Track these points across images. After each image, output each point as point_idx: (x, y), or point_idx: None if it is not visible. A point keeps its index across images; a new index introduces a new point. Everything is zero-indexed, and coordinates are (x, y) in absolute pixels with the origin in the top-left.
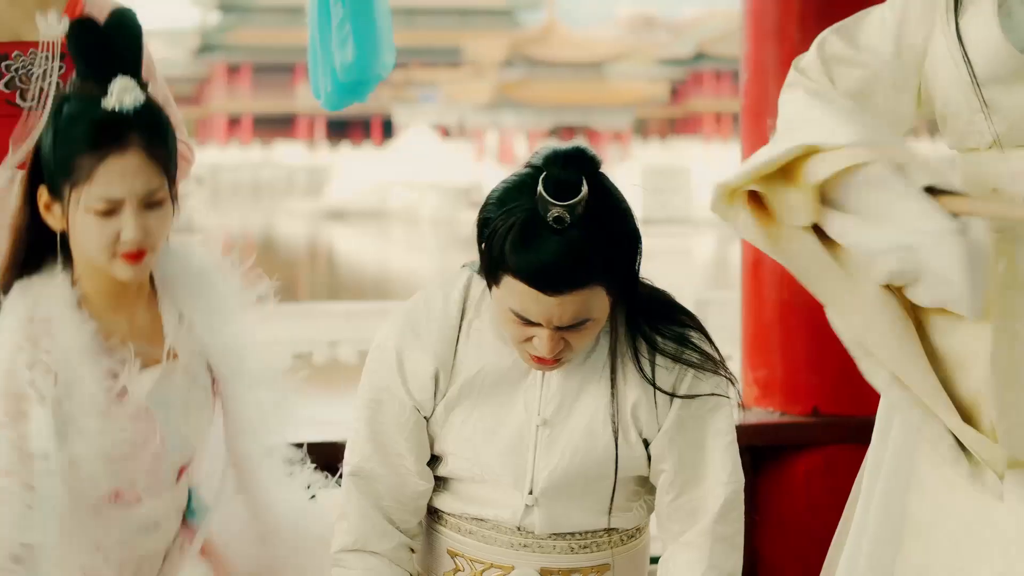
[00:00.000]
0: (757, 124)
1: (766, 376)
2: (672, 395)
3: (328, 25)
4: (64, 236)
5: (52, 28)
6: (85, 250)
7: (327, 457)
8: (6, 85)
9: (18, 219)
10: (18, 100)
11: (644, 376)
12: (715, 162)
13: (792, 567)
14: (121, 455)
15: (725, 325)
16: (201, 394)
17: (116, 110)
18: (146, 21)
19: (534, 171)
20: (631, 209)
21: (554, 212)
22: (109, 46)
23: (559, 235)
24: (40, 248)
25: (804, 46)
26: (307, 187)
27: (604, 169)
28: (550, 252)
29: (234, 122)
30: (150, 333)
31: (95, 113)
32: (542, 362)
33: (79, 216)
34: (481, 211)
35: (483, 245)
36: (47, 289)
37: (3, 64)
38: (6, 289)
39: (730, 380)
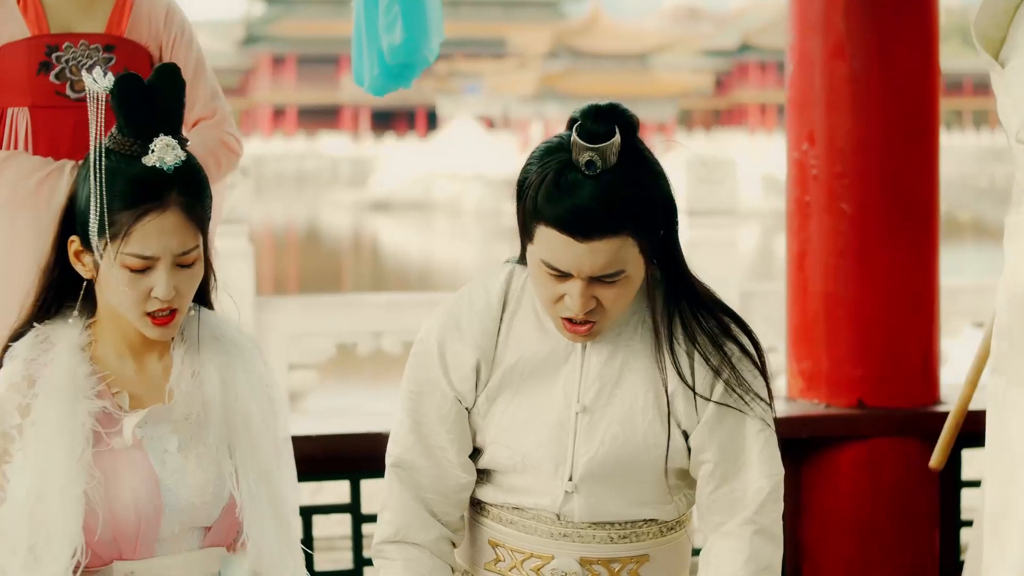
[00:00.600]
0: (802, 115)
1: (811, 368)
2: (707, 399)
3: (375, 8)
4: (89, 284)
5: (98, 84)
6: (115, 303)
7: (372, 447)
8: (56, 76)
9: (46, 264)
10: (68, 91)
11: (681, 377)
12: (760, 153)
13: (835, 559)
14: (108, 497)
15: (770, 317)
16: (210, 450)
17: (157, 168)
18: (192, 12)
19: (570, 126)
20: (665, 174)
21: (586, 156)
22: (153, 103)
23: (591, 180)
24: (65, 293)
25: (850, 37)
26: (351, 178)
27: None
28: (581, 196)
29: (279, 113)
30: (156, 383)
31: (135, 169)
32: (575, 329)
33: (112, 270)
34: (520, 173)
35: (519, 202)
36: (58, 332)
37: (54, 55)
38: (23, 329)
39: (766, 402)
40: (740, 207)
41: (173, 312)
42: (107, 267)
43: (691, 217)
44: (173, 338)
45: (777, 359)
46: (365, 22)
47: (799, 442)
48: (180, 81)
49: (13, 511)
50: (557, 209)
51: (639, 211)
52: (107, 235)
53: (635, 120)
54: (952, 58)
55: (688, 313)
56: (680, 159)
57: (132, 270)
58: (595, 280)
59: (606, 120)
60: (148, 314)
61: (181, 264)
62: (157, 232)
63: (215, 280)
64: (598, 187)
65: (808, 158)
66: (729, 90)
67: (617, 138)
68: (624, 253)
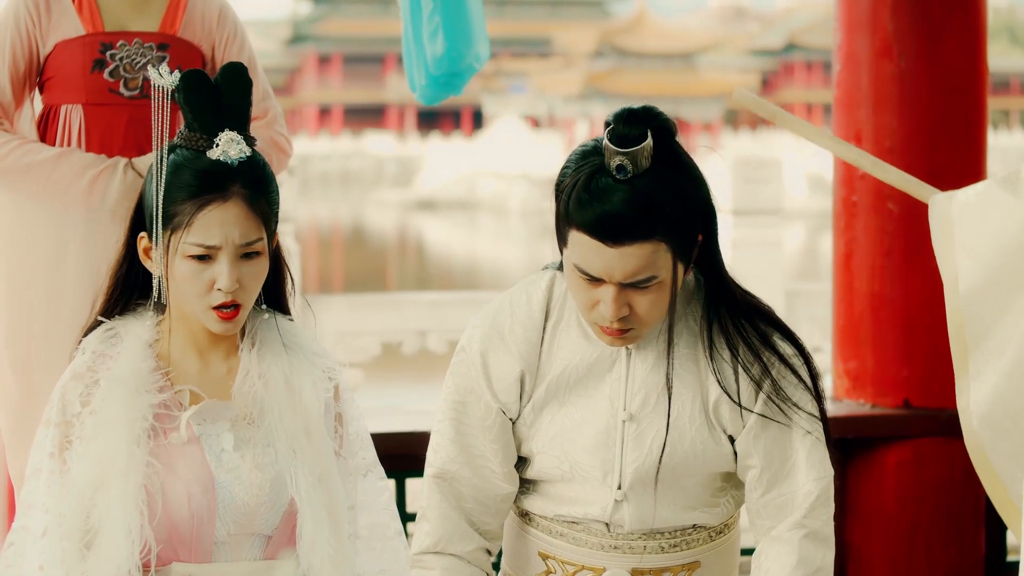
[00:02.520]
0: (849, 115)
1: (857, 368)
2: (751, 411)
3: (420, 17)
4: (159, 280)
5: (164, 79)
6: (181, 296)
7: (418, 446)
8: (110, 74)
9: (115, 261)
10: (121, 89)
11: (723, 386)
12: (806, 153)
13: (880, 558)
14: (164, 491)
15: (815, 317)
16: (269, 452)
17: (221, 161)
18: (238, 11)
19: (605, 129)
20: (704, 179)
21: (617, 160)
22: (218, 100)
23: (622, 184)
24: (133, 291)
25: (897, 36)
26: (397, 177)
27: (695, 157)
28: (611, 202)
29: (325, 112)
30: (219, 383)
31: (200, 163)
32: (612, 333)
33: (176, 262)
34: (557, 176)
35: (556, 206)
36: (128, 328)
37: (108, 53)
38: (94, 325)
39: (807, 413)
40: (786, 207)
41: (238, 307)
42: (172, 260)
43: (737, 217)
44: (242, 340)
45: (823, 359)
46: (412, 31)
47: (845, 442)
48: (247, 80)
49: (72, 498)
50: (587, 214)
51: (672, 216)
52: (171, 226)
53: (670, 123)
54: (999, 57)
55: (728, 322)
56: (726, 159)
57: (195, 259)
58: (627, 286)
59: (639, 123)
60: (213, 308)
61: (244, 256)
62: (219, 222)
63: (293, 286)
64: (629, 192)
65: None
66: (775, 89)
67: (649, 142)
68: (656, 259)
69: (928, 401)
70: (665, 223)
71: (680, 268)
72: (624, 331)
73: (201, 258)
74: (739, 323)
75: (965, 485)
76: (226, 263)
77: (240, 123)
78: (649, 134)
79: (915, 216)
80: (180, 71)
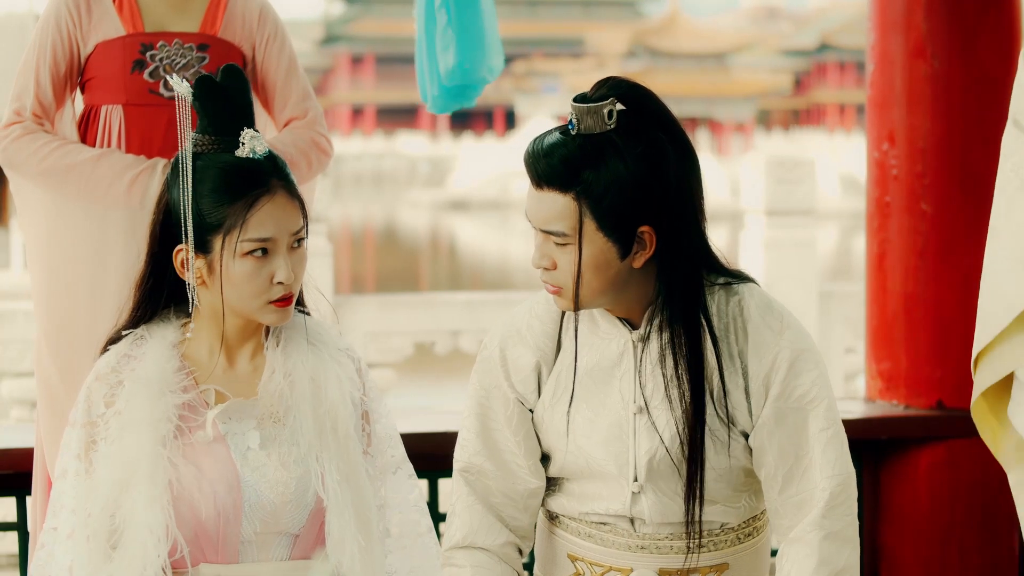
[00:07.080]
0: (882, 115)
1: (890, 369)
2: (762, 403)
3: (435, 29)
4: (181, 287)
5: (180, 88)
6: (235, 300)
7: (450, 446)
8: (150, 75)
9: (140, 277)
10: (161, 90)
11: (722, 381)
12: (838, 153)
13: (913, 560)
14: (189, 490)
15: (849, 317)
16: (295, 450)
17: (251, 157)
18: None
19: None
20: (670, 175)
21: (570, 113)
22: (230, 100)
23: (563, 134)
24: (158, 302)
25: (931, 36)
26: (429, 177)
27: (715, 156)
28: (546, 143)
29: (357, 112)
30: (245, 381)
31: (233, 163)
32: (545, 285)
33: (233, 264)
34: None
35: None
36: (153, 331)
37: (148, 54)
38: (116, 336)
39: (823, 402)
40: (819, 207)
41: (291, 295)
42: (226, 263)
43: (770, 217)
44: (267, 338)
45: (856, 360)
46: (426, 43)
47: (878, 443)
48: (244, 78)
49: (98, 498)
50: (526, 151)
51: (592, 183)
52: (222, 230)
53: (645, 100)
54: None
55: (701, 314)
56: (758, 159)
57: (254, 257)
58: (547, 235)
59: (607, 89)
60: (271, 302)
61: (293, 245)
62: (271, 214)
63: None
64: (564, 142)
65: (888, 158)
66: (808, 90)
67: (608, 107)
68: (569, 216)
69: (962, 402)
70: (583, 185)
71: (598, 240)
72: (555, 288)
73: (260, 254)
74: (703, 306)
75: (999, 487)
76: (282, 255)
77: (252, 120)
78: (615, 103)
79: (949, 217)
80: (187, 79)
